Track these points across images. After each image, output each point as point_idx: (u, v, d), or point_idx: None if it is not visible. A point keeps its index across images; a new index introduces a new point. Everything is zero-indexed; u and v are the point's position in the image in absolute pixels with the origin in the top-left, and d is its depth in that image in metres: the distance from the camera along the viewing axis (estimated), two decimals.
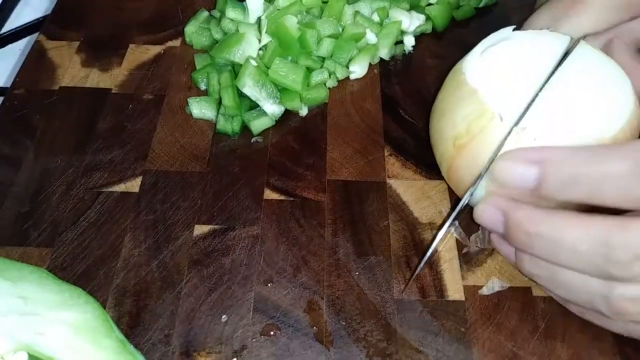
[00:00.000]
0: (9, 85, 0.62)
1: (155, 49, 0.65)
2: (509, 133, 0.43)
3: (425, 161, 0.55)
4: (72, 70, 0.62)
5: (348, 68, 0.62)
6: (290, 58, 0.59)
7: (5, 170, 0.54)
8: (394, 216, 0.52)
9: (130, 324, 0.45)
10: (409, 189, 0.54)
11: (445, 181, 0.54)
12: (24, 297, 0.39)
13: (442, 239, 0.49)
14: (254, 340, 0.45)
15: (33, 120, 0.58)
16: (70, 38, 0.65)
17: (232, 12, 0.61)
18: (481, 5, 0.69)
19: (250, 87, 0.56)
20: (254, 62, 0.57)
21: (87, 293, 0.40)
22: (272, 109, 0.58)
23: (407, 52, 0.65)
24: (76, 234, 0.50)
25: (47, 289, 0.40)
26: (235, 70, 0.59)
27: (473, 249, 0.49)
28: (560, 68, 0.46)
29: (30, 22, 0.75)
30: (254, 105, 0.58)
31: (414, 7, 0.66)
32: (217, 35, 0.63)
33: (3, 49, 0.74)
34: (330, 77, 0.60)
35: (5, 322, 0.38)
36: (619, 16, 0.50)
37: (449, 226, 0.46)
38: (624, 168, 0.37)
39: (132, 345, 0.39)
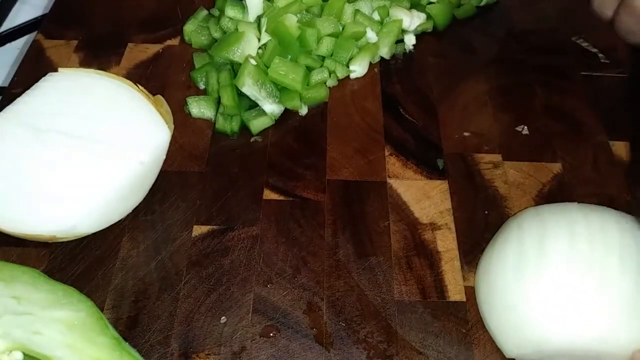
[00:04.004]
0: (7, 84, 0.62)
1: (154, 48, 0.64)
2: None
3: (426, 161, 0.55)
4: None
5: (348, 67, 0.61)
6: (290, 57, 0.59)
7: None
8: (394, 216, 0.51)
9: (129, 325, 0.45)
10: (409, 188, 0.53)
11: (446, 181, 0.54)
12: (17, 297, 0.39)
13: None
14: (253, 341, 0.44)
15: None
16: (68, 37, 0.65)
17: (231, 11, 0.61)
18: (482, 3, 0.69)
19: (249, 87, 0.56)
20: (253, 61, 0.56)
21: (80, 292, 0.40)
22: (272, 108, 0.57)
23: (407, 50, 0.65)
24: None
25: (40, 289, 0.40)
26: (234, 69, 0.59)
27: None
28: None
29: (28, 20, 0.75)
30: (253, 105, 0.58)
31: (415, 5, 0.65)
32: (217, 34, 0.63)
33: (1, 47, 0.73)
34: (330, 76, 0.60)
35: (0, 322, 0.38)
36: None
37: None
38: None
39: (127, 343, 0.39)
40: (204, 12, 0.66)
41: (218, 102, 0.58)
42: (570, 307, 0.40)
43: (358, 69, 0.62)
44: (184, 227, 0.50)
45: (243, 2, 0.61)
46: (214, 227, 0.50)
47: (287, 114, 0.59)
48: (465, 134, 0.57)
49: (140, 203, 0.50)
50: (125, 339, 0.40)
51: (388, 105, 0.60)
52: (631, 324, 0.39)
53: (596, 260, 0.40)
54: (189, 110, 0.58)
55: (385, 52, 0.63)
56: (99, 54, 0.63)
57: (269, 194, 0.52)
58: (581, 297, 0.40)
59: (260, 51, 0.59)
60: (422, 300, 0.47)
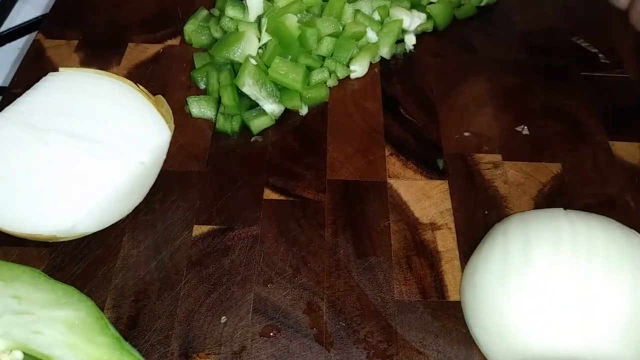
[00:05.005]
0: (7, 84, 0.62)
1: (154, 48, 0.64)
2: None
3: (426, 161, 0.55)
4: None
5: (348, 67, 0.61)
6: (290, 57, 0.59)
7: None
8: (394, 216, 0.51)
9: (129, 324, 0.45)
10: (409, 189, 0.53)
11: (446, 181, 0.54)
12: (17, 296, 0.39)
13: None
14: (253, 341, 0.44)
15: None
16: (69, 37, 0.65)
17: (231, 11, 0.61)
18: (482, 4, 0.69)
19: (249, 86, 0.56)
20: (253, 61, 0.56)
21: (80, 292, 0.40)
22: (272, 108, 0.57)
23: (408, 51, 0.65)
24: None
25: (40, 289, 0.40)
26: (234, 69, 0.59)
27: None
28: None
29: (29, 20, 0.75)
30: (253, 105, 0.58)
31: (415, 5, 0.65)
32: (217, 34, 0.63)
33: (2, 47, 0.73)
34: (330, 76, 0.60)
35: (0, 321, 0.38)
36: None
37: None
38: None
39: (127, 342, 0.39)
40: (204, 12, 0.66)
41: (218, 102, 0.58)
42: (554, 314, 0.40)
43: (358, 69, 0.62)
44: (185, 227, 0.50)
45: (243, 2, 0.61)
46: (214, 226, 0.50)
47: (288, 114, 0.59)
48: (466, 134, 0.57)
49: (140, 203, 0.50)
50: (126, 339, 0.39)
51: (388, 106, 0.60)
52: (615, 331, 0.39)
53: (581, 267, 0.40)
54: (189, 110, 0.58)
55: (385, 52, 0.63)
56: (99, 54, 0.63)
57: (269, 194, 0.52)
58: (565, 305, 0.39)
59: (260, 51, 0.59)
60: (422, 300, 0.47)
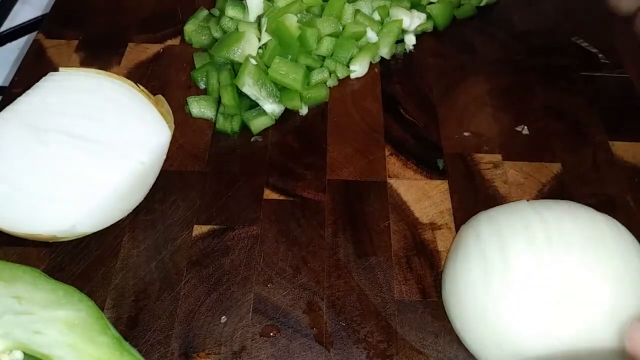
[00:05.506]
0: (7, 84, 0.62)
1: (154, 48, 0.64)
2: None
3: (426, 161, 0.55)
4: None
5: (348, 67, 0.61)
6: (290, 57, 0.59)
7: None
8: (394, 216, 0.51)
9: (129, 324, 0.45)
10: (409, 188, 0.53)
11: (446, 181, 0.54)
12: (18, 296, 0.39)
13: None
14: (253, 341, 0.44)
15: None
16: (69, 37, 0.65)
17: (231, 11, 0.61)
18: (482, 4, 0.69)
19: (249, 86, 0.56)
20: (253, 61, 0.56)
21: (80, 292, 0.40)
22: (272, 108, 0.57)
23: (408, 51, 0.65)
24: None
25: (40, 289, 0.40)
26: (234, 69, 0.59)
27: None
28: None
29: (29, 20, 0.75)
30: (253, 105, 0.58)
31: (415, 5, 0.65)
32: (217, 34, 0.63)
33: (2, 47, 0.73)
34: (330, 76, 0.60)
35: (0, 321, 0.38)
36: None
37: None
38: None
39: (127, 342, 0.39)
40: (205, 12, 0.66)
41: (218, 101, 0.58)
42: (541, 311, 0.40)
43: (358, 69, 0.62)
44: (185, 227, 0.50)
45: (243, 2, 0.61)
46: (214, 226, 0.50)
47: (288, 114, 0.59)
48: (465, 134, 0.57)
49: (140, 203, 0.50)
50: (126, 339, 0.40)
51: (388, 106, 0.60)
52: (603, 317, 0.39)
53: (559, 260, 0.40)
54: (189, 110, 0.58)
55: (385, 52, 0.63)
56: (99, 54, 0.63)
57: (269, 194, 0.52)
58: (550, 300, 0.40)
59: (260, 51, 0.59)
60: (422, 300, 0.47)
